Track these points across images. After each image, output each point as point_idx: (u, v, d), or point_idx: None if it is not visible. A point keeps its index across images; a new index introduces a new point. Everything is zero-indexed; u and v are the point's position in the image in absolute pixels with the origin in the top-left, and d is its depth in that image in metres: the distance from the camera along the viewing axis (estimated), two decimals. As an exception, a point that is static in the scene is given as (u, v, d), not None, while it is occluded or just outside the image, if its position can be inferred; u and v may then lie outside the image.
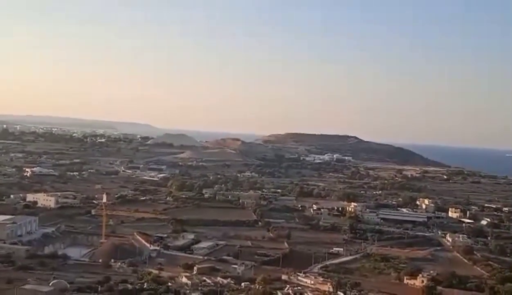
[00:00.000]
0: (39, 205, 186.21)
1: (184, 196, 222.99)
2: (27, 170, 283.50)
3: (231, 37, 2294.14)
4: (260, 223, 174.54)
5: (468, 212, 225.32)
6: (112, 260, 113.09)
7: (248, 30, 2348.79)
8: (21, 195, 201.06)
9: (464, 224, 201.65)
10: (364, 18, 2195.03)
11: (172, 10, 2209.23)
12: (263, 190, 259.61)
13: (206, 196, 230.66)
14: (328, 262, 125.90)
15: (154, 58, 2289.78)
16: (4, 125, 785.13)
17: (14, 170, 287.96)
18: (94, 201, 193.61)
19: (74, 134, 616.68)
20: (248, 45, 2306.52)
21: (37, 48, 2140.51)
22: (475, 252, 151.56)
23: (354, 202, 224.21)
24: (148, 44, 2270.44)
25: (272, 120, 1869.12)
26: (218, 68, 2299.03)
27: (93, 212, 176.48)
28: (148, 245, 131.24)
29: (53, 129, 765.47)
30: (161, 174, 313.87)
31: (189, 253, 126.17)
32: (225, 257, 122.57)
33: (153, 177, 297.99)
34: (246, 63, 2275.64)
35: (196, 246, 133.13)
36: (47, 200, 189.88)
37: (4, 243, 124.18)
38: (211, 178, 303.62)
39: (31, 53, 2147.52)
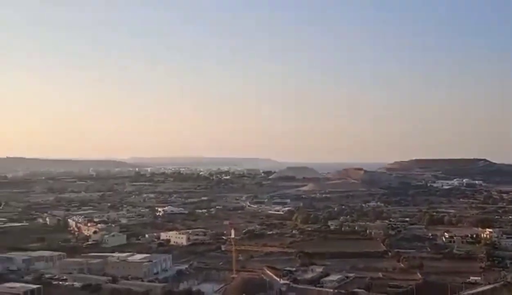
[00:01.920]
0: (172, 242, 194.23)
1: (309, 229, 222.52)
2: (159, 209, 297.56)
3: (343, 67, 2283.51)
4: (389, 254, 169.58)
5: None
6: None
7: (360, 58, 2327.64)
8: (155, 233, 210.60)
9: None
10: None
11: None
12: (390, 219, 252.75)
13: (331, 227, 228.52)
14: (465, 292, 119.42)
15: (275, 92, 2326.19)
16: (137, 169, 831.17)
17: (147, 210, 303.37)
18: (223, 237, 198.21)
19: (200, 173, 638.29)
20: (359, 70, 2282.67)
21: (159, 91, 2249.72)
22: None
23: (489, 227, 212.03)
24: (272, 82, 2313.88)
25: (395, 147, 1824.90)
26: (333, 97, 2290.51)
27: (223, 247, 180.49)
28: (277, 279, 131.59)
29: (180, 169, 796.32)
30: (285, 207, 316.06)
31: (319, 286, 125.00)
32: (356, 290, 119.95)
33: (278, 210, 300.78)
34: (364, 96, 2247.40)
35: (325, 279, 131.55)
36: (179, 237, 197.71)
37: (142, 280, 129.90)
38: (335, 209, 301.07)
39: (154, 97, 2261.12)
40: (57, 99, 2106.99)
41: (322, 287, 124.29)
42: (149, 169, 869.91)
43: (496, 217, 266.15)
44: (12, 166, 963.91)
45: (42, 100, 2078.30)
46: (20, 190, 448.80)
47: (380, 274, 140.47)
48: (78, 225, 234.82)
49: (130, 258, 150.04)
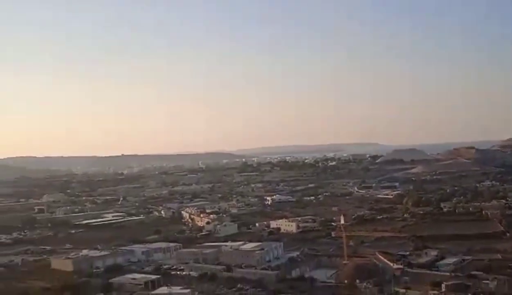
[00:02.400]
0: (282, 230, 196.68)
1: (421, 212, 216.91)
2: (267, 198, 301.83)
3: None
4: (507, 234, 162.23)
5: None
6: (357, 281, 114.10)
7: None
8: (264, 222, 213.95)
9: None
10: None
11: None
12: (507, 198, 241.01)
13: (444, 210, 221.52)
14: None
15: (379, 75, 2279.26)
16: (243, 159, 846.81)
17: (256, 199, 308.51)
18: (333, 223, 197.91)
19: (306, 161, 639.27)
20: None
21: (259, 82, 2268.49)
22: None
23: None
24: (373, 64, 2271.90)
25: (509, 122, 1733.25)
26: (439, 75, 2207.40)
27: (333, 234, 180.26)
28: (390, 264, 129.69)
29: (286, 158, 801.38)
30: (394, 191, 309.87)
31: (435, 270, 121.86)
32: (474, 272, 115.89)
33: (387, 194, 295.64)
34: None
35: (440, 262, 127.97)
36: (288, 225, 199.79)
37: (255, 268, 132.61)
38: (447, 190, 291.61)
39: (259, 87, 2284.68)
40: (164, 99, 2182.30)
41: (438, 270, 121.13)
42: (255, 159, 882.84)
43: None
44: (127, 162, 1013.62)
45: (151, 101, 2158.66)
46: (136, 185, 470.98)
47: (499, 256, 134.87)
48: (192, 216, 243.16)
49: (242, 247, 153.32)
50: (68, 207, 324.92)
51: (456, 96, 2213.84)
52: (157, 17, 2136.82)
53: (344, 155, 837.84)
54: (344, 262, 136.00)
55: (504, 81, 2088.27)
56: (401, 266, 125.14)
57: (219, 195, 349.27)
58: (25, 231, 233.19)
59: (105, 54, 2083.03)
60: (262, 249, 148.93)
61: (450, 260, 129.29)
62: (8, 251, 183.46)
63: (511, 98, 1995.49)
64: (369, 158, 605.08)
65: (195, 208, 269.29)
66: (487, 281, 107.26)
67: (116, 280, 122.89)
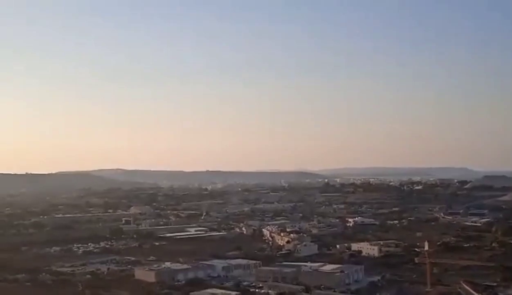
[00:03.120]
0: (363, 254, 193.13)
1: (511, 241, 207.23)
2: (349, 220, 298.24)
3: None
4: None
5: None
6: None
7: None
8: (345, 244, 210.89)
9: None
10: None
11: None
12: None
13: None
14: None
15: (467, 97, 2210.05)
16: (326, 180, 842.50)
17: (337, 220, 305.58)
18: (416, 249, 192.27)
19: (391, 183, 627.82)
20: None
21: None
22: None
23: None
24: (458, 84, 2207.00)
25: None
26: None
27: (416, 260, 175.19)
28: (476, 294, 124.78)
29: (370, 179, 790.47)
30: (483, 218, 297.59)
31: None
32: None
33: (475, 222, 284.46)
34: None
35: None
36: (370, 249, 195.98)
37: (334, 291, 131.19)
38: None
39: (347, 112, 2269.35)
40: (249, 115, 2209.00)
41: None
42: (338, 180, 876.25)
43: None
44: (211, 178, 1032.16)
45: (233, 119, 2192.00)
46: (219, 201, 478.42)
47: None
48: (272, 234, 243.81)
49: (322, 268, 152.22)
50: (154, 219, 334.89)
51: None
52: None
53: (431, 178, 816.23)
54: (427, 290, 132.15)
55: None
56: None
57: (300, 215, 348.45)
58: (112, 241, 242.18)
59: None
60: (342, 271, 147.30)
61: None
62: (95, 259, 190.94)
63: None
64: (457, 183, 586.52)
65: (276, 226, 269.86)
66: None
67: (196, 293, 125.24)
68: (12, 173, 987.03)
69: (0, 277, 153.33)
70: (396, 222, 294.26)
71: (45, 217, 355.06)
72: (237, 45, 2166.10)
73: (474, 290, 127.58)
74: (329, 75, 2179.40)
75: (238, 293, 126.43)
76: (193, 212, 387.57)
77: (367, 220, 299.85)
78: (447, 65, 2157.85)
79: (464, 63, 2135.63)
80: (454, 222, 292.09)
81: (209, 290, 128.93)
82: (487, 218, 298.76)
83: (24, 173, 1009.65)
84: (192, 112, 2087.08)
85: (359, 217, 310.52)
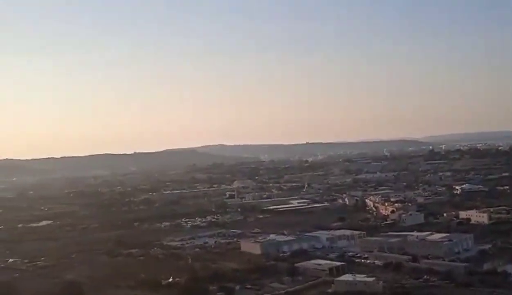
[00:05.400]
0: (472, 221, 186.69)
1: None
2: (456, 187, 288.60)
3: None
4: None
5: None
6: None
7: None
8: (453, 212, 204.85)
9: None
10: None
11: None
12: None
13: None
14: None
15: None
16: (430, 147, 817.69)
17: (443, 188, 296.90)
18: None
19: (500, 148, 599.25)
20: None
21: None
22: None
23: None
24: None
25: None
26: None
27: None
28: None
29: (477, 145, 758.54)
30: None
31: None
32: None
33: None
34: None
35: None
36: (479, 216, 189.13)
37: (443, 260, 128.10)
38: None
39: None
40: (347, 86, 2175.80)
41: None
42: (443, 147, 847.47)
43: None
44: (312, 150, 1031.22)
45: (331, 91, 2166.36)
46: (320, 173, 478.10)
47: None
48: (376, 204, 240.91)
49: (429, 237, 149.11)
50: (257, 193, 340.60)
51: None
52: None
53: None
54: None
55: None
56: None
57: (404, 184, 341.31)
58: (218, 215, 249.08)
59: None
60: (451, 240, 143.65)
61: None
62: (203, 233, 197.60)
63: None
64: None
65: (379, 196, 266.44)
66: None
67: (301, 264, 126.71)
68: (122, 153, 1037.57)
69: (115, 252, 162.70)
70: (507, 187, 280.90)
71: (154, 193, 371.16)
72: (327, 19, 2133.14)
73: None
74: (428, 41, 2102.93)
75: (343, 263, 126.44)
76: (295, 184, 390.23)
77: (475, 187, 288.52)
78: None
79: None
80: None
81: (314, 261, 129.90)
82: None
83: (133, 152, 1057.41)
84: (291, 85, 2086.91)
85: (466, 184, 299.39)
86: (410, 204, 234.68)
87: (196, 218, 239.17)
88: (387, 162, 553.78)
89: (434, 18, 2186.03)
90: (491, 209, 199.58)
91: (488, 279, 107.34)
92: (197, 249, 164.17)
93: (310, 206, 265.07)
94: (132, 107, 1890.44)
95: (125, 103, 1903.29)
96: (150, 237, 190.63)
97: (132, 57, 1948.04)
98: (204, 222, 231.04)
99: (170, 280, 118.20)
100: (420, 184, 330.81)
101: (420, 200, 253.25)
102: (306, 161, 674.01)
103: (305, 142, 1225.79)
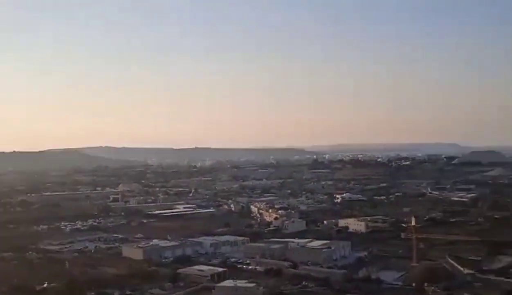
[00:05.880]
0: (350, 229, 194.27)
1: (497, 216, 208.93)
2: (337, 196, 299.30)
3: None
4: None
5: None
6: (426, 284, 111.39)
7: None
8: (333, 220, 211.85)
9: None
10: None
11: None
12: None
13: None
14: None
15: (454, 73, 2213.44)
16: (315, 156, 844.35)
17: (325, 196, 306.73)
18: (403, 224, 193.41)
19: (378, 159, 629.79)
20: None
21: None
22: None
23: None
24: (448, 63, 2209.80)
25: None
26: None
27: (402, 235, 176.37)
28: (461, 268, 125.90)
29: (358, 156, 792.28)
30: (469, 194, 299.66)
31: (508, 278, 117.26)
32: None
33: (461, 197, 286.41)
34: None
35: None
36: (358, 224, 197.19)
37: (321, 266, 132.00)
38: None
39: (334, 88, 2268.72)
40: (239, 91, 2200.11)
41: (511, 278, 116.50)
42: (327, 156, 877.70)
43: None
44: (200, 155, 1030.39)
45: (222, 92, 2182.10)
46: (207, 178, 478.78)
47: None
48: (260, 211, 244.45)
49: (309, 244, 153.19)
50: (142, 197, 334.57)
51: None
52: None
53: (419, 154, 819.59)
54: (413, 264, 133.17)
55: None
56: (472, 272, 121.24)
57: (289, 191, 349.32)
58: (100, 218, 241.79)
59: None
60: (330, 247, 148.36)
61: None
62: (83, 237, 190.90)
63: None
64: (444, 159, 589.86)
65: (264, 203, 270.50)
66: None
67: (183, 270, 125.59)
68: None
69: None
70: (384, 197, 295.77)
71: (33, 195, 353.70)
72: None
73: (460, 265, 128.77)
74: (323, 53, 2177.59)
75: (225, 269, 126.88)
76: (182, 189, 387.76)
77: (355, 196, 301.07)
78: (435, 41, 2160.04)
79: (450, 39, 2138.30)
80: (441, 198, 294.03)
81: (197, 267, 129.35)
82: (474, 193, 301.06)
83: (12, 151, 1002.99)
84: (178, 90, 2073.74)
85: (347, 193, 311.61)
86: (293, 211, 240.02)
87: (77, 222, 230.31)
88: (274, 170, 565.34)
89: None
90: (369, 218, 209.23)
91: (363, 286, 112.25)
92: (76, 254, 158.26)
93: (195, 211, 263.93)
94: (11, 103, 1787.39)
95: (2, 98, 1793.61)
96: (26, 241, 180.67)
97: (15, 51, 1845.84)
98: (85, 225, 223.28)
99: (45, 285, 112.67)
100: (304, 192, 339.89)
101: (303, 207, 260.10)
102: (195, 166, 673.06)
103: (194, 147, 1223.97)
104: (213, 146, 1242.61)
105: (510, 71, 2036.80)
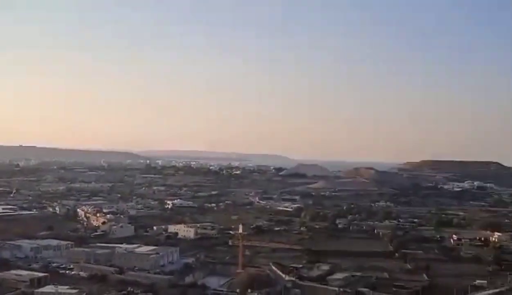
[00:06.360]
0: (179, 236, 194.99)
1: (317, 226, 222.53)
2: (168, 202, 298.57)
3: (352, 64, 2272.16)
4: (396, 254, 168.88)
5: None
6: (249, 290, 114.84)
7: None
8: (163, 226, 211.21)
9: None
10: None
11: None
12: (399, 219, 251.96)
13: (340, 226, 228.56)
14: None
15: (287, 89, 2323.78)
16: (148, 161, 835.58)
17: (156, 202, 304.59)
18: (231, 232, 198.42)
19: (211, 167, 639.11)
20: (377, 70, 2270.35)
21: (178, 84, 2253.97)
22: None
23: (498, 231, 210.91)
24: (284, 80, 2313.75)
25: (407, 147, 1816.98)
26: (346, 95, 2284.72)
27: (230, 242, 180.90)
28: (283, 275, 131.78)
29: (191, 163, 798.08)
30: (294, 204, 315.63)
31: (324, 284, 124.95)
32: (361, 289, 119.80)
33: (286, 207, 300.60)
34: (380, 88, 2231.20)
35: (331, 277, 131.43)
36: (187, 231, 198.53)
37: (148, 272, 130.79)
38: (344, 208, 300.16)
39: (172, 91, 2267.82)
40: (70, 89, 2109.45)
41: (327, 285, 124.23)
42: (160, 162, 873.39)
43: (506, 220, 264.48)
44: (24, 154, 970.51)
45: (55, 89, 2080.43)
46: (31, 178, 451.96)
47: (386, 274, 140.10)
48: (87, 215, 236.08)
49: (137, 250, 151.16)
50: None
51: (357, 117, 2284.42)
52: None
53: (250, 164, 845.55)
54: (238, 271, 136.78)
55: (404, 109, 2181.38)
56: (293, 278, 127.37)
57: (119, 195, 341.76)
58: None
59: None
60: (157, 253, 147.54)
61: (340, 275, 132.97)
62: None
63: (409, 124, 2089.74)
64: (273, 170, 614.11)
65: (92, 206, 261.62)
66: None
67: (0, 275, 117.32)
68: None
69: None
70: (214, 205, 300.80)
71: None
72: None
73: (282, 271, 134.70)
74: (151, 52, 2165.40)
75: (46, 274, 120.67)
76: (2, 188, 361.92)
77: (185, 203, 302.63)
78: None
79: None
80: (268, 207, 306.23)
81: (14, 272, 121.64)
82: (298, 204, 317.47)
83: None
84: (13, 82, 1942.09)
85: (178, 199, 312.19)
86: (122, 216, 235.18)
87: None
88: (104, 173, 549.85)
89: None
90: (198, 225, 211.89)
91: (189, 291, 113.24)
92: None
93: (16, 213, 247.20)
94: None
95: None
96: None
97: None
98: None
99: None
100: (134, 197, 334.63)
101: (133, 212, 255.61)
102: (17, 165, 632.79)
103: (18, 145, 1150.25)
104: (38, 145, 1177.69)
105: (331, 89, 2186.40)
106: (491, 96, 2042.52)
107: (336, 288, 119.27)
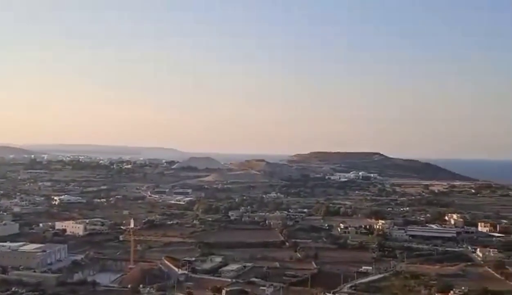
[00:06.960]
0: (68, 232, 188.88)
1: (210, 219, 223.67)
2: (55, 198, 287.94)
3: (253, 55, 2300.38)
4: (287, 244, 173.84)
5: (498, 226, 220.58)
6: (141, 286, 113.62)
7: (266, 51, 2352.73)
8: (50, 223, 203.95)
9: (494, 238, 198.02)
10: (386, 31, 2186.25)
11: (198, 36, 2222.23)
12: (289, 210, 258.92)
13: (232, 218, 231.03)
14: (357, 282, 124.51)
15: (177, 81, 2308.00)
16: (32, 155, 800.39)
17: (42, 198, 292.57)
18: (122, 227, 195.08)
19: (100, 161, 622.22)
20: (272, 69, 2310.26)
21: (59, 74, 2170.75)
22: (507, 267, 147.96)
23: (381, 219, 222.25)
24: (171, 68, 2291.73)
25: (296, 140, 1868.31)
26: (242, 89, 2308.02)
27: (121, 237, 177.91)
28: (176, 269, 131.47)
29: (80, 157, 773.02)
30: (187, 197, 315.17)
31: (217, 276, 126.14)
32: (253, 279, 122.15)
33: (179, 201, 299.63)
34: (271, 85, 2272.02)
35: (224, 268, 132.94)
36: (75, 227, 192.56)
37: (35, 271, 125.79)
38: (236, 200, 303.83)
39: (55, 80, 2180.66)
40: None
41: (220, 276, 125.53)
42: (45, 156, 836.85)
43: (389, 209, 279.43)
44: None
45: None
46: None
47: (277, 264, 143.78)
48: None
49: (22, 248, 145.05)
50: None
51: (247, 110, 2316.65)
52: None
53: (141, 158, 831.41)
54: (130, 266, 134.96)
55: (294, 101, 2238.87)
56: (186, 272, 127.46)
57: (1, 192, 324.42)
58: None
59: None
60: (44, 251, 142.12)
61: (233, 266, 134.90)
62: None
63: (300, 116, 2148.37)
64: (165, 163, 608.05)
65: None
66: (264, 288, 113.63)
67: None
68: None
69: None
70: (104, 200, 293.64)
71: None
72: None
73: (174, 265, 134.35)
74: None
75: None
76: None
77: (74, 198, 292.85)
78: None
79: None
80: (160, 201, 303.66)
81: None
82: (191, 197, 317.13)
83: None
84: None
85: (66, 195, 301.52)
86: (5, 213, 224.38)
87: None
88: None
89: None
90: (87, 221, 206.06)
91: (78, 289, 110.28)
92: None
93: None
94: None
95: None
96: None
97: None
98: None
99: None
100: (18, 193, 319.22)
101: (17, 209, 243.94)
102: None
103: None
104: None
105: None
106: (375, 89, 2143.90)
107: (229, 280, 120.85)
